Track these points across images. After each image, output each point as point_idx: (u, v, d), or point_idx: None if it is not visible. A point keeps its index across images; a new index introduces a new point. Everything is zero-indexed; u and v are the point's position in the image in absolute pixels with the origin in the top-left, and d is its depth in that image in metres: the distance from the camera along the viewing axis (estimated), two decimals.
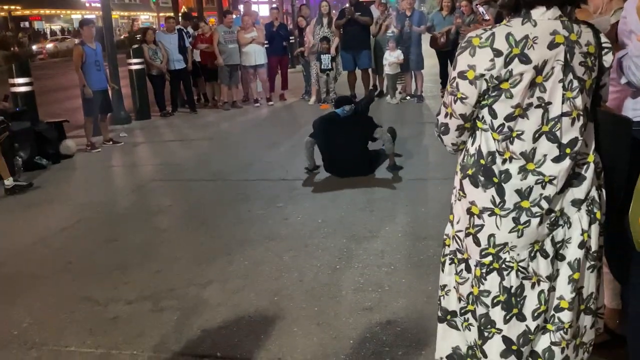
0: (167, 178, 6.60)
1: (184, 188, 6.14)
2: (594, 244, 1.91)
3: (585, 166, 1.87)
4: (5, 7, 40.71)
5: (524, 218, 1.83)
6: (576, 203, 1.88)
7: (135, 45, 10.75)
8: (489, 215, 1.87)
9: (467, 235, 1.95)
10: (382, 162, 6.24)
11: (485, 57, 1.75)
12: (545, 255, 1.88)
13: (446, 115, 1.90)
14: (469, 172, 1.90)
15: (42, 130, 7.56)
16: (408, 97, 10.71)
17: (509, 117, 1.78)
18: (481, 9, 6.27)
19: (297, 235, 4.50)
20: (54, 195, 6.15)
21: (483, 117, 1.84)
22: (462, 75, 1.80)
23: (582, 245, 1.89)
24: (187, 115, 10.99)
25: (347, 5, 10.98)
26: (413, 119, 8.67)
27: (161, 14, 55.03)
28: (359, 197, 5.36)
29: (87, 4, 47.82)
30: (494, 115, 1.80)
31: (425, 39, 10.69)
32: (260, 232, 4.62)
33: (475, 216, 1.90)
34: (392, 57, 10.22)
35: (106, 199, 5.86)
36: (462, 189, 1.95)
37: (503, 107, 1.78)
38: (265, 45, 11.45)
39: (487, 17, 6.18)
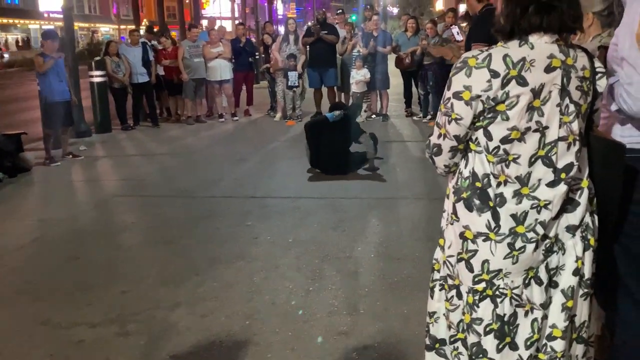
0: (130, 194, 6.41)
1: (148, 204, 5.96)
2: (587, 271, 1.88)
3: (579, 191, 1.85)
4: None
5: (519, 244, 1.79)
6: (571, 229, 1.85)
7: (98, 58, 10.50)
8: (484, 240, 1.82)
9: (459, 260, 1.90)
10: (361, 164, 6.92)
11: (481, 78, 1.71)
12: (539, 282, 1.84)
13: (439, 136, 1.86)
14: (464, 195, 1.85)
15: None
16: (373, 116, 10.75)
17: (505, 140, 1.75)
18: (454, 30, 6.35)
19: (268, 255, 4.39)
20: (10, 210, 5.89)
21: (477, 139, 1.81)
22: (457, 95, 1.76)
23: (577, 272, 1.86)
24: (149, 129, 10.77)
25: (314, 23, 11.00)
26: (379, 138, 8.65)
27: (122, 27, 54.40)
28: (330, 215, 5.29)
29: (46, 15, 46.81)
30: (489, 137, 1.77)
31: (391, 58, 10.78)
32: (229, 252, 4.49)
33: (468, 241, 1.85)
34: (359, 75, 10.26)
35: (66, 215, 5.63)
36: (455, 212, 1.90)
37: (499, 130, 1.75)
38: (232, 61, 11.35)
39: (459, 38, 6.24)
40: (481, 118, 1.76)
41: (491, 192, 1.79)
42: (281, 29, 34.42)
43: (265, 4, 54.68)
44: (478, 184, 1.82)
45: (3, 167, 7.11)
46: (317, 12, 11.54)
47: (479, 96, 1.72)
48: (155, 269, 4.24)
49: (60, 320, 3.49)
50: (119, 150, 8.99)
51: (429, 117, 10.11)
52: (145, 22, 36.96)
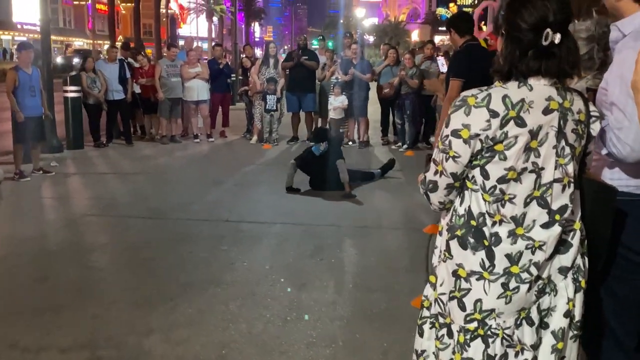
0: (102, 213, 6.27)
1: (120, 225, 5.83)
2: (577, 313, 1.88)
3: (571, 233, 1.85)
4: None
5: (513, 284, 1.78)
6: (563, 270, 1.85)
7: (73, 72, 10.36)
8: (477, 279, 1.81)
9: (451, 298, 1.88)
10: (364, 180, 7.53)
11: (481, 117, 1.72)
12: (530, 323, 1.84)
13: (435, 173, 1.86)
14: (458, 232, 1.84)
15: None
16: (350, 143, 10.79)
17: (502, 180, 1.76)
18: (440, 61, 6.43)
19: (244, 281, 4.33)
20: None
21: (474, 177, 1.81)
22: (455, 133, 1.76)
23: (567, 314, 1.86)
24: (122, 147, 10.61)
25: (295, 48, 11.07)
26: (357, 164, 8.67)
27: (97, 42, 53.99)
28: (306, 242, 5.25)
29: (19, 26, 46.22)
30: (486, 176, 1.77)
31: (372, 86, 10.88)
32: (204, 277, 4.41)
33: (462, 279, 1.84)
34: (336, 102, 10.32)
35: (35, 233, 5.48)
36: (448, 250, 1.88)
37: (496, 169, 1.75)
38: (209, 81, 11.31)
39: (444, 70, 6.32)
40: (479, 157, 1.77)
41: (486, 231, 1.79)
42: (258, 52, 34.56)
43: (243, 26, 54.88)
44: (473, 223, 1.81)
45: None
46: (298, 37, 11.60)
47: (477, 135, 1.73)
48: (127, 292, 4.13)
49: (29, 343, 3.37)
50: (91, 167, 8.83)
51: (405, 146, 10.19)
52: (120, 38, 36.80)
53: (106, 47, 17.26)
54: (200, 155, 9.98)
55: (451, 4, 58.90)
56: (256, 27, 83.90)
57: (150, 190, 7.30)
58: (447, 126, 1.80)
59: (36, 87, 7.84)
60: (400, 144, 10.43)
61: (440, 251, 1.95)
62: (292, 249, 5.08)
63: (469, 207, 1.83)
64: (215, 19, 59.60)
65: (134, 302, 3.94)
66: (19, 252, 4.97)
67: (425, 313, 2.04)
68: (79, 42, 56.22)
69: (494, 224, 1.79)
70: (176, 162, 9.36)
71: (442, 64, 6.28)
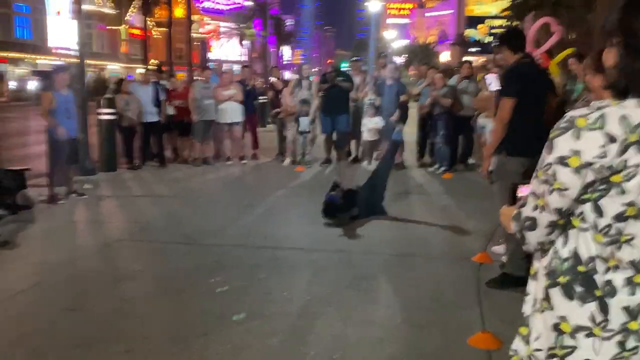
0: (135, 238, 6.10)
1: (153, 251, 5.65)
2: None
3: None
4: None
5: (631, 343, 1.49)
6: None
7: (108, 95, 10.35)
8: (586, 336, 1.52)
9: (550, 357, 1.59)
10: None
11: (594, 143, 1.44)
12: None
13: (535, 208, 1.57)
14: (561, 279, 1.55)
15: (0, 178, 6.99)
16: None
17: (619, 217, 1.47)
18: (488, 79, 6.12)
19: (283, 314, 4.07)
20: (9, 251, 5.55)
21: (583, 213, 1.52)
22: (562, 161, 1.49)
23: None
24: (155, 169, 10.53)
25: (330, 70, 10.93)
26: (391, 188, 8.37)
27: (130, 65, 54.95)
28: (346, 271, 4.98)
29: (54, 50, 47.28)
30: (599, 213, 1.49)
31: (412, 106, 10.65)
32: (240, 308, 4.16)
33: (565, 335, 1.55)
34: (371, 123, 10.09)
35: (68, 259, 5.32)
36: (547, 298, 1.60)
37: (612, 205, 1.47)
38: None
39: (493, 88, 6.02)
40: (590, 190, 1.49)
41: (598, 278, 1.50)
42: (287, 75, 34.66)
43: (273, 50, 55.43)
44: (581, 268, 1.52)
45: (4, 204, 6.81)
46: (332, 59, 11.45)
47: (590, 164, 1.45)
48: (161, 325, 3.91)
49: None
50: (124, 190, 8.72)
51: (442, 168, 9.88)
52: (152, 61, 37.36)
53: (139, 70, 17.41)
54: (232, 178, 9.82)
55: (480, 25, 58.66)
56: (285, 51, 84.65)
57: (183, 214, 7.13)
58: (549, 152, 1.52)
59: (71, 109, 7.78)
60: (437, 165, 10.12)
61: (536, 300, 1.66)
62: (332, 278, 4.81)
63: (576, 249, 1.54)
64: (245, 42, 60.32)
65: (168, 337, 3.71)
66: (50, 279, 4.81)
67: None
68: (112, 66, 57.30)
69: (607, 270, 1.50)
70: (209, 184, 9.21)
71: (491, 83, 5.97)
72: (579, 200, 1.52)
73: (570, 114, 1.52)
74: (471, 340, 3.58)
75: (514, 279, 4.52)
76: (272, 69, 12.99)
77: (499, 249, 5.34)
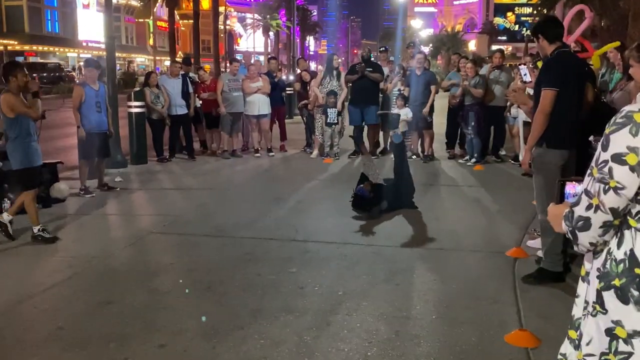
0: (167, 231, 6.13)
1: (185, 243, 5.66)
2: None
3: None
4: (4, 41, 40.56)
5: None
6: None
7: (137, 88, 10.41)
8: None
9: None
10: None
11: None
12: None
13: (589, 208, 1.50)
14: (616, 282, 1.49)
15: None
16: (414, 157, 10.40)
17: None
18: (522, 70, 5.96)
19: (317, 309, 4.03)
20: (43, 245, 5.62)
21: (639, 213, 1.45)
22: (618, 158, 1.41)
23: None
24: (185, 162, 10.58)
25: (359, 61, 10.82)
26: (420, 180, 8.26)
27: (157, 58, 55.43)
28: (379, 266, 4.92)
29: (84, 44, 47.93)
30: None
31: (444, 96, 10.49)
32: (274, 303, 4.15)
33: (620, 340, 1.48)
34: (400, 114, 9.96)
35: (100, 252, 5.36)
36: (600, 302, 1.53)
37: None
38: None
39: (528, 79, 5.87)
40: None
41: None
42: (312, 66, 34.56)
43: (298, 40, 55.39)
44: (637, 271, 1.46)
45: (38, 196, 6.89)
46: (362, 49, 11.35)
47: None
48: (194, 319, 3.90)
49: None
50: (155, 183, 8.78)
51: (473, 160, 9.73)
52: (180, 54, 37.56)
53: (167, 62, 17.48)
54: (261, 170, 9.81)
55: (509, 13, 57.68)
56: (311, 41, 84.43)
57: (214, 207, 7.14)
58: (605, 149, 1.45)
59: (102, 103, 7.84)
60: (467, 157, 9.98)
61: (587, 302, 1.59)
62: (365, 272, 4.76)
63: (632, 250, 1.47)
64: (271, 33, 60.31)
65: (202, 331, 3.71)
66: (83, 272, 4.85)
67: None
68: (140, 59, 57.92)
69: None
70: (238, 177, 9.22)
71: (525, 74, 5.80)
72: (636, 200, 1.45)
73: (627, 108, 1.44)
74: (508, 338, 3.50)
75: (551, 275, 4.43)
76: (299, 60, 12.87)
77: (535, 243, 5.23)
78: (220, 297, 4.29)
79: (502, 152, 10.32)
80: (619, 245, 1.51)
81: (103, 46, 10.61)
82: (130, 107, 10.07)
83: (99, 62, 8.44)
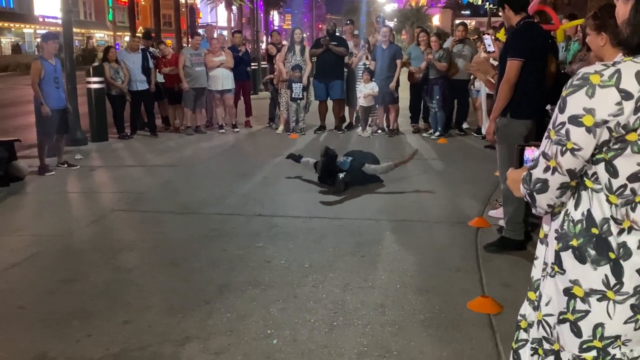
0: (130, 208, 6.04)
1: (149, 220, 5.59)
2: None
3: None
4: None
5: None
6: None
7: (96, 64, 10.14)
8: (599, 300, 1.49)
9: (561, 321, 1.57)
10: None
11: (609, 100, 1.39)
12: None
13: (546, 170, 1.52)
14: (574, 242, 1.52)
15: None
16: (379, 131, 10.44)
17: (634, 177, 1.43)
18: (487, 40, 6.00)
19: (284, 282, 4.04)
20: (2, 223, 5.49)
21: (596, 174, 1.48)
22: (575, 120, 1.43)
23: None
24: (147, 138, 10.39)
25: (324, 35, 10.74)
26: (387, 154, 8.31)
27: (117, 33, 54.06)
28: (345, 238, 4.95)
29: (41, 19, 46.40)
30: (613, 173, 1.44)
31: (404, 72, 10.48)
32: (240, 277, 4.14)
33: (577, 299, 1.52)
34: (366, 89, 9.96)
35: (62, 230, 5.26)
36: (558, 263, 1.56)
37: (627, 164, 1.42)
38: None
39: (491, 49, 5.90)
40: (604, 149, 1.44)
41: (612, 240, 1.47)
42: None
43: (262, 15, 54.68)
44: (594, 231, 1.49)
45: None
46: (327, 23, 11.26)
47: (605, 122, 1.40)
48: (159, 295, 3.88)
49: (57, 354, 3.13)
50: (116, 160, 8.62)
51: (437, 133, 9.81)
52: (141, 29, 36.67)
53: (127, 38, 17.08)
54: (226, 146, 9.71)
55: None
56: (275, 16, 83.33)
57: (178, 184, 7.06)
58: (562, 111, 1.47)
59: (59, 78, 7.63)
60: (432, 131, 10.05)
61: (546, 264, 1.62)
62: (331, 245, 4.79)
63: (589, 211, 1.50)
64: (234, 7, 59.27)
65: (168, 306, 3.68)
66: (45, 251, 4.76)
67: (523, 335, 1.72)
68: (99, 34, 56.41)
69: (621, 232, 1.46)
70: (203, 153, 9.11)
71: (489, 44, 5.84)
72: (592, 161, 1.47)
73: (583, 70, 1.46)
74: (471, 305, 3.58)
75: (512, 243, 4.53)
76: (272, 33, 12.70)
77: (496, 213, 5.33)
78: (186, 273, 4.26)
79: (465, 126, 10.42)
80: (576, 206, 1.54)
81: (60, 22, 10.24)
82: (89, 83, 9.81)
83: (58, 35, 8.18)
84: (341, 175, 6.42)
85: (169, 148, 9.51)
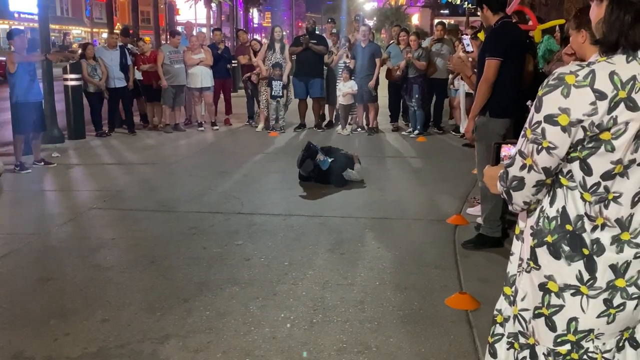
0: (108, 206, 5.98)
1: (127, 219, 5.54)
2: None
3: None
4: None
5: (618, 300, 1.50)
6: None
7: (73, 60, 10.02)
8: (573, 295, 1.52)
9: (537, 316, 1.60)
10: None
11: (584, 100, 1.42)
12: (634, 344, 1.56)
13: (523, 168, 1.55)
14: (548, 239, 1.55)
15: None
16: (359, 129, 10.47)
17: (607, 175, 1.46)
18: (465, 40, 6.07)
19: (263, 280, 4.05)
20: None
21: (570, 172, 1.51)
22: (550, 119, 1.46)
23: None
24: (125, 136, 10.30)
25: (303, 33, 10.74)
26: (366, 152, 8.35)
27: (95, 30, 53.42)
28: (325, 236, 4.97)
29: (16, 15, 45.64)
30: (587, 171, 1.48)
31: (382, 70, 10.52)
32: (219, 275, 4.13)
33: (552, 294, 1.55)
34: (345, 87, 9.98)
35: (39, 229, 5.20)
36: (534, 258, 1.59)
37: (600, 163, 1.46)
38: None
39: (470, 49, 5.97)
40: (579, 148, 1.47)
41: (586, 237, 1.50)
42: (258, 38, 34.09)
43: (242, 12, 54.36)
44: (569, 227, 1.52)
45: None
46: (306, 21, 11.27)
47: (580, 121, 1.43)
48: (138, 293, 3.85)
49: (34, 353, 3.10)
50: (94, 158, 8.53)
51: (416, 132, 9.88)
52: (118, 25, 36.26)
53: (105, 35, 16.91)
54: (205, 144, 9.67)
55: None
56: (255, 13, 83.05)
57: (157, 182, 7.01)
58: (538, 111, 1.50)
59: (34, 71, 7.53)
60: (411, 129, 10.11)
61: (522, 259, 1.65)
62: (310, 243, 4.80)
63: (564, 208, 1.53)
64: (213, 5, 58.94)
65: (147, 304, 3.66)
66: (21, 250, 4.69)
67: (499, 330, 1.75)
68: (76, 31, 55.69)
69: (594, 228, 1.50)
70: (181, 151, 9.06)
71: (468, 44, 5.91)
72: (567, 159, 1.51)
73: (559, 70, 1.49)
74: (449, 301, 3.62)
75: (489, 240, 4.58)
76: (238, 32, 12.69)
77: (474, 210, 5.39)
78: (165, 271, 4.24)
79: (443, 125, 10.50)
80: (551, 203, 1.57)
81: (37, 18, 10.09)
82: (66, 80, 9.69)
83: (23, 30, 8.07)
84: (314, 165, 6.54)
85: (148, 146, 9.43)
